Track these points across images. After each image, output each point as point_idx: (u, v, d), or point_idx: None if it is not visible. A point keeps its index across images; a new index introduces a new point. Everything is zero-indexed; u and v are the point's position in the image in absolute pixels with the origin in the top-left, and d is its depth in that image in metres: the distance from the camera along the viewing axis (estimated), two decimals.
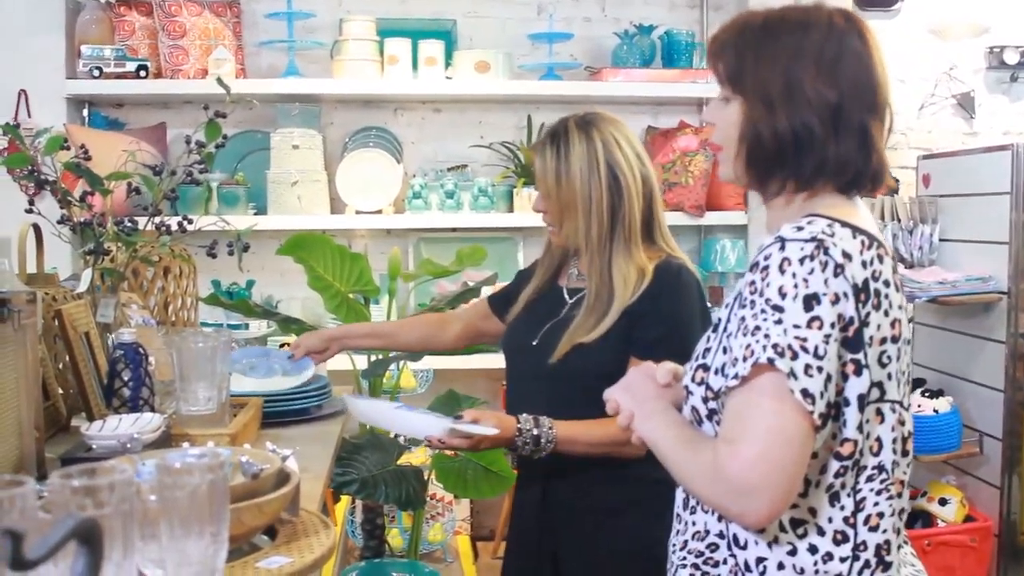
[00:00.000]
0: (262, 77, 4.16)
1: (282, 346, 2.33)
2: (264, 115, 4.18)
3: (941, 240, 4.00)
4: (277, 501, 1.35)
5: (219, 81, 2.20)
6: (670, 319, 2.05)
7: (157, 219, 2.26)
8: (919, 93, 4.45)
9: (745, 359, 1.32)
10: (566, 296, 2.21)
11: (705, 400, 1.45)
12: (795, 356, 1.29)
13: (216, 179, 4.01)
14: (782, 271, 1.32)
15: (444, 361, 3.71)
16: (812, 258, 1.32)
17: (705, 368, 1.45)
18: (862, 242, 1.38)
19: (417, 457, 3.37)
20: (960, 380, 3.94)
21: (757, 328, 1.32)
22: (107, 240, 2.18)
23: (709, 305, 2.20)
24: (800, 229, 1.35)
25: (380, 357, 3.00)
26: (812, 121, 1.41)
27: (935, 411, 3.78)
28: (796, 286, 1.31)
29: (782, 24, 1.47)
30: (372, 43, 4.06)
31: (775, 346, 1.29)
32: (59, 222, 2.26)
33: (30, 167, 2.21)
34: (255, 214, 4.02)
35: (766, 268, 1.34)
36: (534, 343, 2.16)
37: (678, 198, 4.13)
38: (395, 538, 3.89)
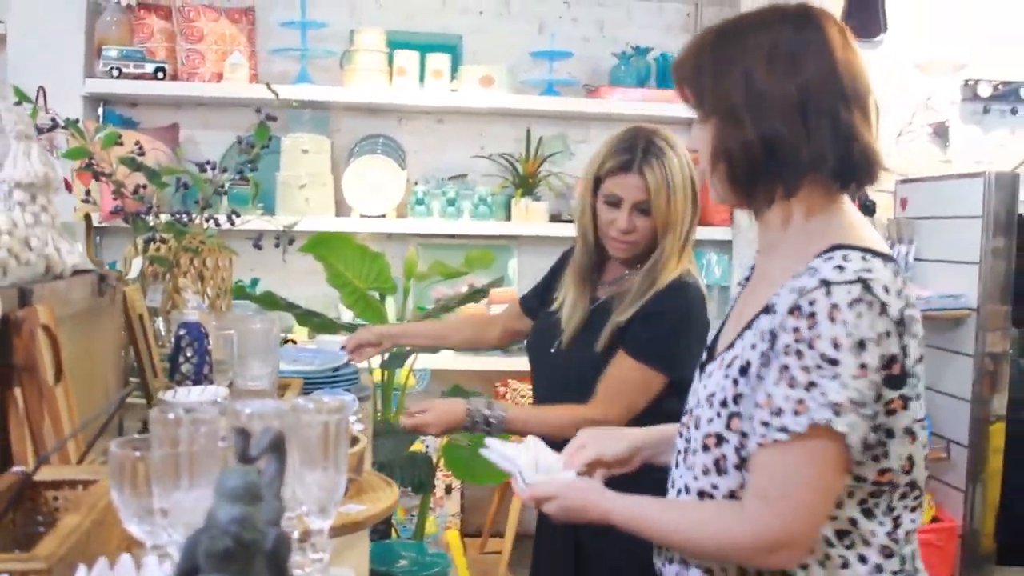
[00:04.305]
0: (274, 83, 4.31)
1: (342, 348, 2.53)
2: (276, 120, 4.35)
3: (916, 259, 4.23)
4: (352, 457, 1.53)
5: (268, 86, 2.39)
6: (665, 327, 2.16)
7: (206, 213, 2.44)
8: (898, 121, 4.68)
9: (798, 413, 1.27)
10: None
11: (738, 449, 1.37)
12: (848, 411, 1.26)
13: (227, 179, 4.16)
14: (832, 320, 1.26)
15: (440, 361, 3.92)
16: (860, 301, 1.26)
17: (740, 416, 1.37)
18: (893, 270, 1.33)
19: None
20: (930, 390, 4.17)
21: (812, 384, 1.26)
22: (160, 231, 2.35)
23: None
24: (841, 269, 1.29)
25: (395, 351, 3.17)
26: (777, 123, 1.34)
27: None
28: (849, 335, 1.25)
29: (735, 31, 1.42)
30: (382, 54, 4.25)
31: (834, 404, 1.25)
32: (112, 212, 2.43)
33: (88, 159, 2.38)
34: (262, 214, 4.17)
35: (813, 315, 1.26)
36: (552, 351, 2.29)
37: None
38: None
